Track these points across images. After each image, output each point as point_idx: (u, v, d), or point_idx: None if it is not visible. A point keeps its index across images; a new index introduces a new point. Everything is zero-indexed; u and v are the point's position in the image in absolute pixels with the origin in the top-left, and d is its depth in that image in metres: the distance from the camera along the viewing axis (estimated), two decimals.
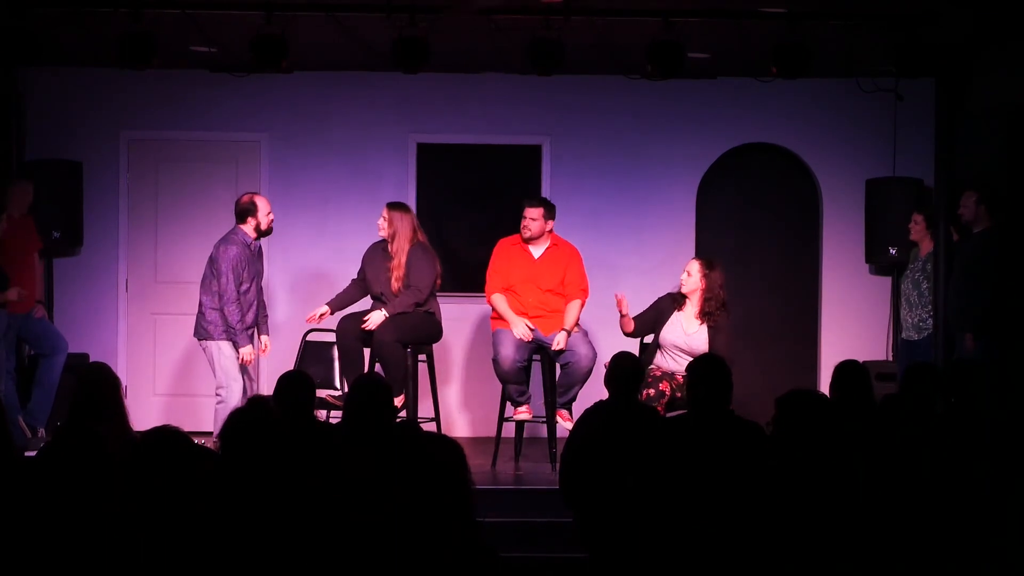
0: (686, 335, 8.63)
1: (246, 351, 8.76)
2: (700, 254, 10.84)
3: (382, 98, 10.70)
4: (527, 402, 8.98)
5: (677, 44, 8.70)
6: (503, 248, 9.16)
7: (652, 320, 8.78)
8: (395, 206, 9.13)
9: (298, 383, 6.14)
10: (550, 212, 9.11)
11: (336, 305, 9.16)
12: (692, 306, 8.70)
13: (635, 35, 8.79)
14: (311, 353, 9.76)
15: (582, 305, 9.03)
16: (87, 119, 10.63)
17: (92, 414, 6.12)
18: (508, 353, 8.84)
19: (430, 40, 8.60)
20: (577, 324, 8.99)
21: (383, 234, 9.04)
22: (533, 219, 9.04)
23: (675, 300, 8.76)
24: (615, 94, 10.67)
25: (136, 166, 10.75)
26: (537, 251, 9.09)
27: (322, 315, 9.09)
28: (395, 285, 8.96)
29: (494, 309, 9.04)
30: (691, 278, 8.73)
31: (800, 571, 4.84)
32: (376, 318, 8.88)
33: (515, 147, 10.85)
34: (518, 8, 8.48)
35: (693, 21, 8.67)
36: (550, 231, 9.13)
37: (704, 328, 8.60)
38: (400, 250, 8.98)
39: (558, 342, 8.84)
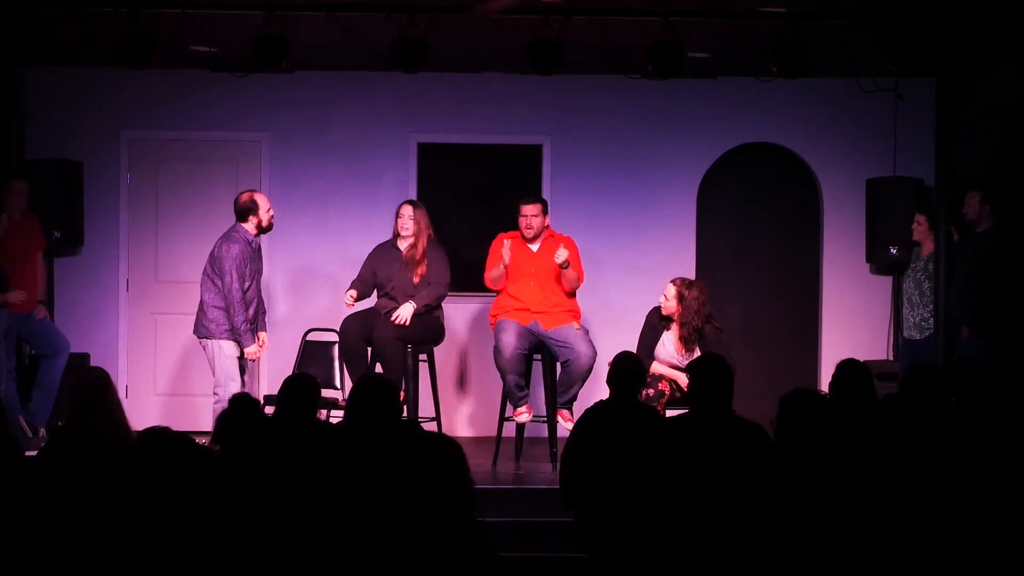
0: (679, 356, 8.61)
1: (251, 350, 8.77)
2: (700, 254, 10.85)
3: (383, 98, 10.70)
4: (526, 401, 8.96)
5: (677, 44, 8.70)
6: (501, 240, 9.16)
7: (653, 341, 8.73)
8: (417, 204, 9.22)
9: (303, 386, 6.15)
10: (546, 208, 9.15)
11: (359, 289, 9.10)
12: (677, 328, 8.67)
13: (635, 35, 8.79)
14: (311, 353, 9.76)
15: (579, 278, 9.00)
16: (87, 119, 10.63)
17: (91, 413, 6.14)
18: (509, 340, 8.82)
19: (430, 40, 8.60)
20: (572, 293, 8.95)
21: (406, 231, 9.04)
22: (534, 215, 9.04)
23: (662, 317, 8.72)
24: (615, 94, 10.67)
25: (136, 166, 10.75)
26: (535, 245, 9.09)
27: (353, 297, 9.06)
28: (416, 280, 8.99)
29: (493, 287, 9.10)
30: (668, 302, 8.62)
31: (801, 571, 4.84)
32: (406, 311, 8.89)
33: (515, 147, 10.85)
34: (518, 8, 8.47)
35: (693, 21, 8.67)
36: (547, 226, 9.15)
37: (695, 353, 8.43)
38: (419, 247, 9.02)
39: (559, 255, 8.78)
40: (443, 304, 9.26)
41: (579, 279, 9.04)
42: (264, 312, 9.07)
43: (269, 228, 8.95)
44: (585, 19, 8.54)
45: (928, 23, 8.69)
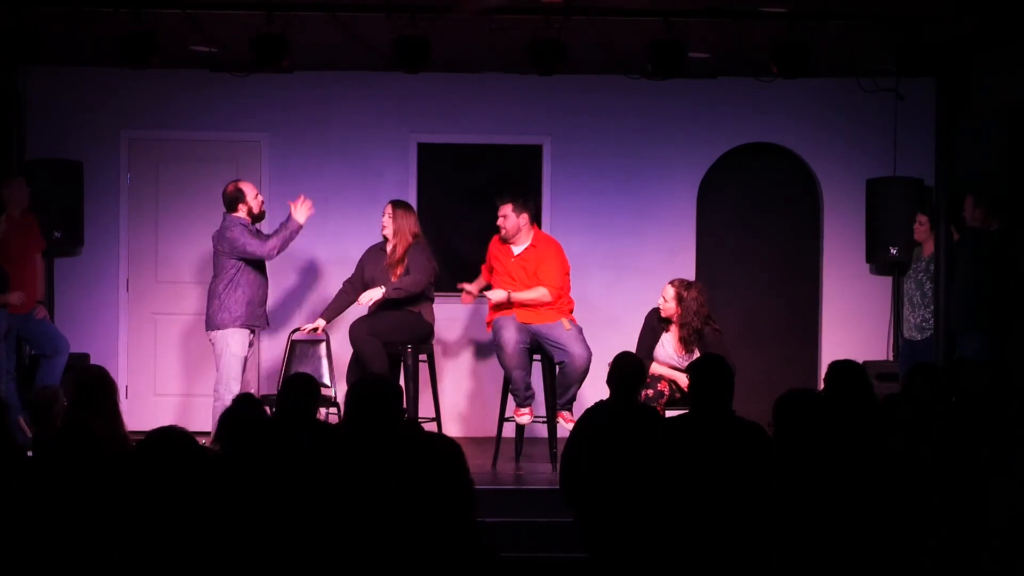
0: (679, 357, 8.60)
1: (298, 215, 8.93)
2: (700, 254, 10.85)
3: (383, 98, 10.70)
4: (532, 401, 8.94)
5: (677, 44, 8.70)
6: (494, 245, 9.22)
7: (652, 342, 8.72)
8: (399, 204, 9.25)
9: (303, 385, 6.15)
10: (521, 206, 9.02)
11: (330, 315, 9.26)
12: (676, 330, 8.67)
13: (635, 35, 8.79)
14: (299, 353, 9.76)
15: (548, 296, 8.83)
16: (87, 119, 10.63)
17: (89, 413, 6.15)
18: (510, 336, 8.82)
19: (430, 40, 8.60)
20: (558, 327, 8.85)
21: (386, 232, 9.10)
22: (504, 216, 9.04)
23: (661, 318, 8.71)
24: (615, 94, 10.67)
25: (136, 166, 10.75)
26: (517, 249, 9.07)
27: (316, 328, 9.21)
28: (394, 280, 9.03)
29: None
30: (667, 304, 8.59)
31: (801, 571, 4.84)
32: (373, 294, 8.94)
33: (515, 147, 10.85)
34: (518, 8, 8.47)
35: (693, 21, 8.67)
36: (528, 225, 9.05)
37: (695, 355, 8.41)
38: (399, 247, 9.04)
39: (491, 294, 8.87)
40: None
41: (549, 296, 8.86)
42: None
43: (261, 216, 9.04)
44: (585, 19, 8.54)
45: (929, 23, 8.69)
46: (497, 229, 9.21)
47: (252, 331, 9.01)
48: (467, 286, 9.18)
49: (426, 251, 9.12)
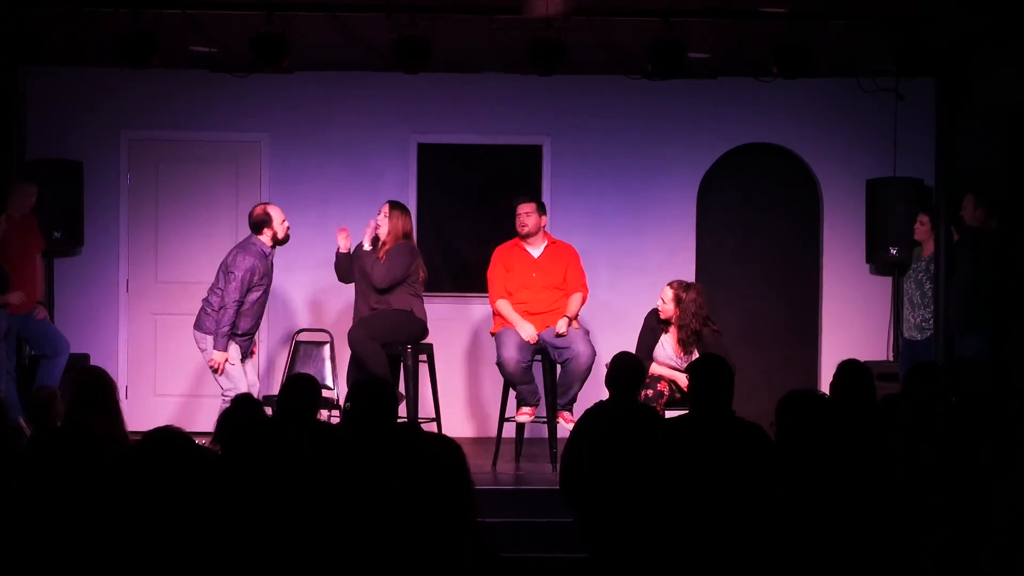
0: (678, 359, 8.60)
1: (217, 356, 8.71)
2: (700, 254, 10.85)
3: (383, 98, 10.70)
4: (539, 400, 8.98)
5: (677, 44, 8.70)
6: (502, 252, 9.18)
7: (652, 343, 8.73)
8: (396, 205, 9.24)
9: (303, 386, 6.15)
10: (542, 208, 9.17)
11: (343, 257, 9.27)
12: (675, 331, 8.67)
13: (635, 35, 8.79)
14: (303, 354, 9.76)
15: (583, 300, 9.05)
16: (87, 119, 10.64)
17: (89, 414, 6.14)
18: (511, 355, 8.83)
19: (430, 40, 8.60)
20: (577, 318, 9.01)
21: (380, 231, 9.10)
22: (527, 214, 9.08)
23: (660, 320, 8.72)
24: (615, 94, 10.67)
25: (136, 166, 10.76)
26: (536, 251, 9.11)
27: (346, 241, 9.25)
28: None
29: (499, 314, 9.03)
30: (665, 305, 8.61)
31: (801, 572, 4.84)
32: (345, 244, 9.10)
33: (515, 147, 10.85)
34: (518, 7, 8.47)
35: (693, 21, 8.67)
36: (544, 229, 9.16)
37: (694, 356, 8.41)
38: (388, 245, 9.05)
39: (560, 326, 8.82)
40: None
41: (583, 298, 9.07)
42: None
43: (285, 240, 8.96)
44: (585, 19, 8.53)
45: (929, 23, 8.69)
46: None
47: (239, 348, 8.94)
48: (532, 332, 8.90)
49: (407, 254, 9.02)
